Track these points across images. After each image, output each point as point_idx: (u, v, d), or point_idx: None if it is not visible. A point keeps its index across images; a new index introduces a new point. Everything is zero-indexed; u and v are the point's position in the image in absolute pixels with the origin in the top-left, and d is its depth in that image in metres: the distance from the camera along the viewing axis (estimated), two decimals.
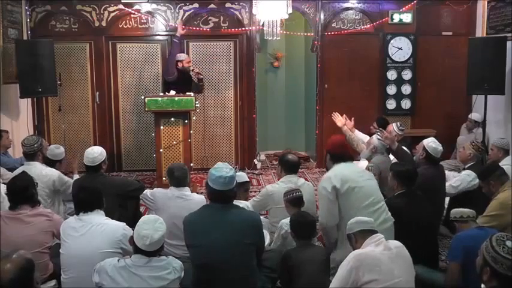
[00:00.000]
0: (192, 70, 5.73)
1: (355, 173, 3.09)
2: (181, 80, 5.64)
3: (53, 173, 3.81)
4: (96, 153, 3.64)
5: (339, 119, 4.76)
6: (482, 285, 1.98)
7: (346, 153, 3.25)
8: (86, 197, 2.81)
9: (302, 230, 2.89)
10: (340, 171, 3.07)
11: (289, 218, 3.27)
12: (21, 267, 1.90)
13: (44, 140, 4.15)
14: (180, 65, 5.71)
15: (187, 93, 5.41)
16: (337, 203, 2.98)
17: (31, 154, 3.80)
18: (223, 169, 2.58)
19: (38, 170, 3.69)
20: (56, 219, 3.03)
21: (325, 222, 3.04)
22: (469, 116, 6.08)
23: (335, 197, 2.98)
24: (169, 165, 3.67)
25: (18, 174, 3.19)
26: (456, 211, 2.98)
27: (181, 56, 5.80)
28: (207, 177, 2.63)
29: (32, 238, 2.83)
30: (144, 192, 3.59)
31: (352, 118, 4.89)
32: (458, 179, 3.92)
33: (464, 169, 4.11)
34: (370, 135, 5.22)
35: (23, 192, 2.95)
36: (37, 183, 3.11)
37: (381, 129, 4.67)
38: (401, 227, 3.06)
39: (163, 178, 5.30)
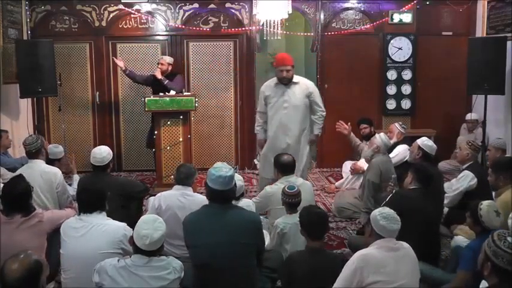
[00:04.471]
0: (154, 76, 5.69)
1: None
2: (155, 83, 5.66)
3: (55, 170, 3.76)
4: (104, 152, 3.67)
5: (344, 127, 4.79)
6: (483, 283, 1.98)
7: None
8: (90, 198, 2.80)
9: (312, 227, 2.67)
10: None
11: (284, 216, 3.28)
12: (28, 268, 1.89)
13: (44, 138, 4.12)
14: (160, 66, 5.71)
15: (186, 93, 5.42)
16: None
17: (34, 152, 3.74)
18: (222, 169, 2.57)
19: (41, 167, 3.68)
20: (47, 217, 2.99)
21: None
22: (467, 117, 6.08)
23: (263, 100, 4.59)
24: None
25: (15, 180, 3.07)
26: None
27: (165, 58, 5.82)
28: (206, 177, 2.62)
29: (25, 245, 2.69)
30: (150, 201, 3.52)
31: (349, 123, 4.86)
32: (458, 182, 3.96)
33: (463, 170, 4.11)
34: (364, 137, 5.25)
35: (17, 201, 2.89)
36: (33, 188, 3.04)
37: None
38: (408, 220, 3.07)
39: (163, 178, 5.31)
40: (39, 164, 3.71)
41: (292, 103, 4.47)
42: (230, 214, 2.59)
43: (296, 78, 4.52)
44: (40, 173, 3.56)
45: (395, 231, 2.43)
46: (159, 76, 5.64)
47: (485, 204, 2.76)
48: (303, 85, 4.53)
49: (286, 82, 4.47)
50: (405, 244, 2.45)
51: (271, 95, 4.53)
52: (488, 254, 1.92)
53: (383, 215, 2.44)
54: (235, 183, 2.66)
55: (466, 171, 3.94)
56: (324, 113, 4.64)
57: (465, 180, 3.89)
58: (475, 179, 3.85)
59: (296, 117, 4.50)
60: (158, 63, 5.78)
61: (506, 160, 3.67)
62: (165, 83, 5.60)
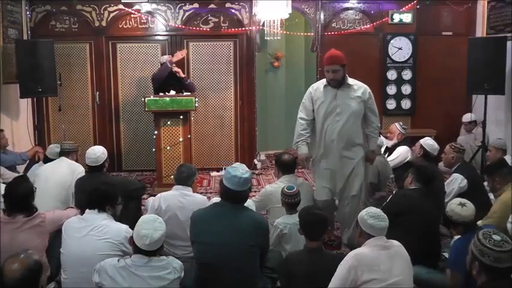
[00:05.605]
0: (177, 72, 5.59)
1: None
2: (170, 81, 5.52)
3: (79, 165, 4.05)
4: (98, 152, 3.68)
5: None
6: None
7: None
8: (96, 198, 2.80)
9: (311, 228, 2.66)
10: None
11: (284, 217, 3.29)
12: (28, 268, 1.90)
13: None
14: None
15: (186, 93, 5.42)
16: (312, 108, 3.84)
17: (66, 152, 4.06)
18: (239, 169, 2.60)
19: (69, 161, 3.99)
20: (49, 218, 3.00)
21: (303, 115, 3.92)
22: (463, 119, 6.08)
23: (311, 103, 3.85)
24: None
25: (18, 180, 3.10)
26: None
27: (163, 58, 5.64)
28: (224, 175, 2.64)
29: (27, 245, 2.71)
30: (149, 202, 3.50)
31: None
32: (449, 186, 4.00)
33: (451, 173, 4.15)
34: None
35: (20, 201, 2.91)
36: (36, 188, 3.06)
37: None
38: (408, 220, 3.10)
39: (163, 178, 5.31)
40: (68, 160, 4.01)
41: (346, 109, 3.69)
42: (239, 215, 2.60)
43: (350, 80, 3.78)
44: (67, 164, 3.94)
45: (384, 229, 2.45)
46: (183, 75, 5.65)
47: (448, 205, 2.90)
48: (359, 88, 3.77)
49: (335, 85, 3.72)
50: (395, 242, 2.47)
51: (320, 98, 3.76)
52: (475, 253, 1.94)
53: (370, 214, 2.46)
54: (250, 187, 2.66)
55: (455, 174, 3.99)
56: (379, 125, 3.95)
57: (455, 183, 3.94)
58: (464, 180, 3.90)
59: (352, 126, 3.72)
60: (170, 62, 5.49)
61: (496, 162, 3.83)
62: (187, 82, 5.64)
